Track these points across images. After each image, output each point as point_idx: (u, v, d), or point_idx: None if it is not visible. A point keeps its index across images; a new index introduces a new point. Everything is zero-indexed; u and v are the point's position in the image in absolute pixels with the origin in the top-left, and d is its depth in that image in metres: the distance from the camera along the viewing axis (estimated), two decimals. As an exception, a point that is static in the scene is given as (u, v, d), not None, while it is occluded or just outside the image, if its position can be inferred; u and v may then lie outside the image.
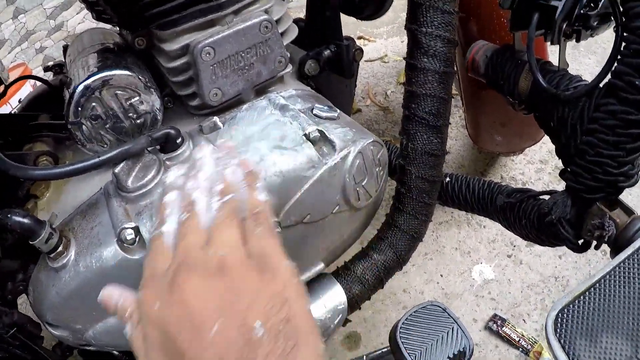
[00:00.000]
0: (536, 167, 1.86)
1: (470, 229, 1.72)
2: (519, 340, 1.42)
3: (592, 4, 0.79)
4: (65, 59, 0.89)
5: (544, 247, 0.97)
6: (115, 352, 0.79)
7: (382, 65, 2.51)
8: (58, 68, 1.09)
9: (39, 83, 1.03)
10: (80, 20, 3.02)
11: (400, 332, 0.81)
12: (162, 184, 0.58)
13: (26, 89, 2.20)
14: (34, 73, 2.78)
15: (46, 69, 1.12)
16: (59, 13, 2.94)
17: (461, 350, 0.79)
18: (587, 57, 2.18)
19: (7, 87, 0.94)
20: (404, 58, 0.84)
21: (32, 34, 2.93)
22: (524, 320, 1.48)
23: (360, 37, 2.66)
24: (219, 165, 0.52)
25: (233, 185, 0.49)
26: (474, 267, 1.62)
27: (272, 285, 0.42)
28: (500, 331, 1.44)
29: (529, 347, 1.40)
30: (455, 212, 1.75)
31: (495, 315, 1.48)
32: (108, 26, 0.84)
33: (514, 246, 1.64)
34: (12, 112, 0.97)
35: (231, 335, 0.39)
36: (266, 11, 0.72)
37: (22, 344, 0.70)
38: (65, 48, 0.92)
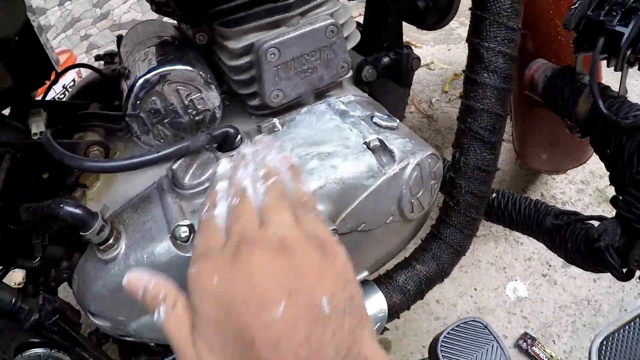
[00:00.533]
0: (577, 187, 1.83)
1: (507, 245, 1.70)
2: (547, 360, 1.40)
3: (658, 33, 0.77)
4: (119, 49, 0.89)
5: (579, 270, 0.97)
6: (151, 343, 0.79)
7: (428, 73, 2.50)
8: (109, 57, 1.09)
9: (84, 71, 1.03)
10: (126, 10, 3.07)
11: (441, 345, 0.81)
12: (213, 175, 0.58)
13: (70, 76, 2.24)
14: (78, 60, 2.83)
15: (97, 58, 1.13)
16: (105, 1, 2.98)
17: (501, 368, 0.79)
18: (634, 79, 2.14)
19: (58, 75, 0.95)
20: (457, 74, 0.83)
21: (77, 21, 2.98)
22: (553, 341, 1.47)
23: (407, 43, 2.66)
24: (260, 155, 0.53)
25: (275, 170, 0.50)
26: (508, 284, 1.61)
27: (334, 265, 0.43)
28: (529, 350, 1.43)
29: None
30: (493, 227, 1.73)
31: (525, 334, 1.48)
32: (159, 18, 0.84)
33: (550, 266, 1.63)
34: (57, 98, 0.97)
35: (299, 312, 0.39)
36: (332, 15, 0.71)
37: (61, 330, 0.71)
38: (119, 38, 0.92)
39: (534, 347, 1.43)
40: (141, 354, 0.82)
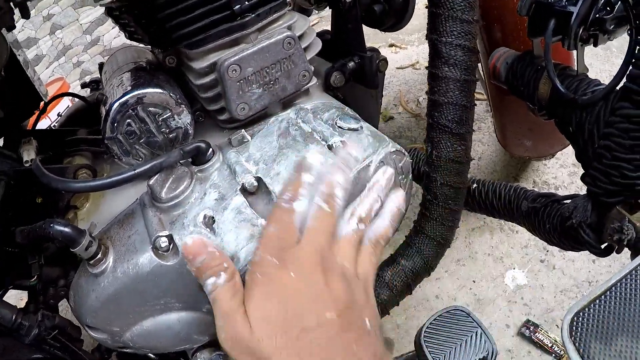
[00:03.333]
0: (569, 170, 1.84)
1: (503, 235, 1.72)
2: (552, 346, 1.41)
3: (607, 8, 0.79)
4: (101, 75, 0.93)
5: (577, 252, 0.98)
6: (151, 354, 0.82)
7: (414, 72, 2.52)
8: (95, 84, 1.14)
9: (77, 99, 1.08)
10: (116, 35, 3.12)
11: (424, 335, 0.82)
12: (295, 163, 0.61)
13: (65, 103, 2.29)
14: (71, 87, 2.88)
15: (83, 85, 1.17)
16: (94, 28, 3.03)
17: (485, 354, 0.80)
18: (619, 58, 2.14)
19: (46, 104, 1.00)
20: (426, 67, 0.86)
21: (69, 49, 3.03)
22: (557, 325, 1.48)
23: (392, 45, 2.67)
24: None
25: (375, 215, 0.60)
26: (506, 273, 1.62)
27: (371, 302, 0.53)
28: (533, 337, 1.44)
29: (562, 352, 1.39)
30: (487, 218, 1.75)
31: (528, 321, 1.48)
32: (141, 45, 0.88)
33: (547, 251, 1.64)
34: (51, 125, 1.02)
35: (351, 320, 0.48)
36: (289, 27, 0.74)
37: (63, 346, 0.74)
38: (101, 66, 0.96)
39: (537, 334, 1.44)
40: (142, 366, 0.83)
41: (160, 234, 0.63)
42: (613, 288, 0.68)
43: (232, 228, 0.62)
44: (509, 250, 1.67)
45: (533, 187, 1.81)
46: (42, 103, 0.92)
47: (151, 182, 0.66)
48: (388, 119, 2.22)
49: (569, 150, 1.79)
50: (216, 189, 0.66)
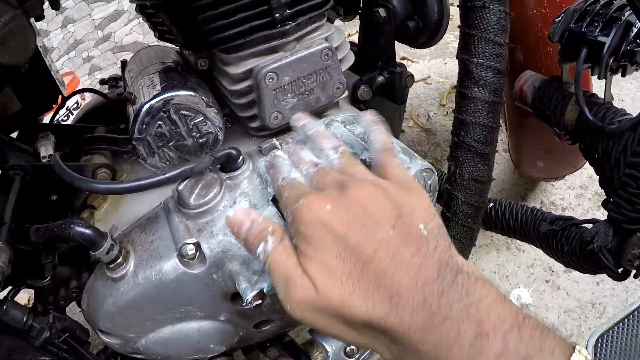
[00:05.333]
0: (576, 192, 1.85)
1: (510, 253, 1.71)
2: (554, 365, 1.40)
3: (638, 40, 0.80)
4: (123, 74, 0.92)
5: (581, 274, 0.98)
6: None
7: (425, 87, 2.52)
8: (114, 81, 1.12)
9: (87, 94, 1.07)
10: (128, 32, 3.11)
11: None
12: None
13: (73, 99, 2.26)
14: (81, 81, 2.87)
15: (102, 82, 1.16)
16: (107, 24, 3.02)
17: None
18: (628, 82, 2.17)
19: (65, 99, 0.98)
20: (454, 87, 0.86)
21: (79, 44, 3.02)
22: (560, 345, 1.47)
23: (403, 58, 2.67)
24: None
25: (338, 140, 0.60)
26: (512, 291, 1.62)
27: (422, 201, 0.50)
28: (536, 355, 1.43)
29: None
30: (495, 236, 1.75)
31: None
32: (159, 42, 0.87)
33: (552, 271, 1.64)
34: (60, 120, 1.00)
35: (405, 232, 0.46)
36: (326, 39, 0.74)
37: (71, 348, 0.72)
38: (124, 63, 0.95)
39: (540, 352, 1.44)
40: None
41: (187, 241, 0.63)
42: (636, 312, 0.69)
43: (265, 240, 0.61)
44: (515, 269, 1.67)
45: (540, 206, 1.81)
46: (59, 97, 0.90)
47: (180, 187, 0.65)
48: (400, 130, 2.22)
49: (577, 173, 1.80)
50: (246, 198, 0.65)
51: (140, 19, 0.84)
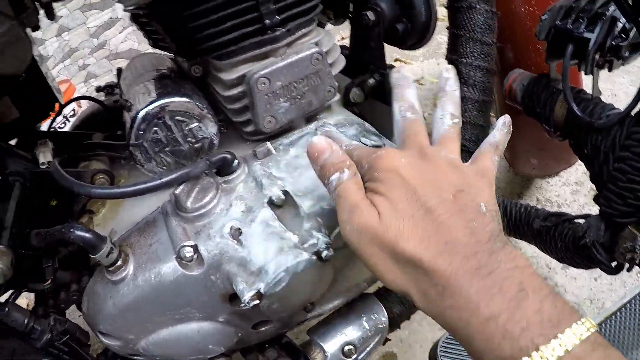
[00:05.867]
0: (572, 189, 1.86)
1: (507, 250, 1.72)
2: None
3: (623, 35, 0.81)
4: (119, 81, 0.93)
5: (579, 270, 0.99)
6: None
7: (419, 88, 2.51)
8: (110, 89, 1.13)
9: (83, 101, 1.08)
10: (123, 39, 3.11)
11: (440, 350, 0.83)
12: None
13: (70, 106, 2.27)
14: (77, 89, 2.87)
15: (98, 89, 1.17)
16: (101, 32, 3.02)
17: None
18: (620, 77, 2.18)
19: (62, 107, 0.99)
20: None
21: (75, 52, 3.02)
22: (559, 342, 1.48)
23: (396, 60, 2.67)
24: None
25: (459, 113, 0.63)
26: (509, 288, 1.62)
27: (491, 187, 0.55)
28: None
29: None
30: (491, 234, 1.75)
31: None
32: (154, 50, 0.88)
33: (550, 268, 1.65)
34: (57, 127, 1.00)
35: (465, 202, 0.50)
36: (317, 43, 0.75)
37: (71, 350, 0.73)
38: (119, 71, 0.96)
39: (539, 349, 1.45)
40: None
41: (185, 243, 0.64)
42: (628, 304, 0.70)
43: (261, 241, 0.63)
44: (512, 266, 1.68)
45: (536, 204, 1.82)
46: (56, 105, 0.91)
47: (177, 191, 0.66)
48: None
49: (572, 169, 1.81)
50: (242, 201, 0.66)
51: (135, 26, 0.86)
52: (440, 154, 0.55)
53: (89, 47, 3.03)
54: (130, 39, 3.10)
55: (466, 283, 0.45)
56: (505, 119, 0.63)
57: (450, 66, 0.69)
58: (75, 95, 2.66)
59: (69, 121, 1.94)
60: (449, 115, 0.61)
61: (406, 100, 0.62)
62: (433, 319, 0.50)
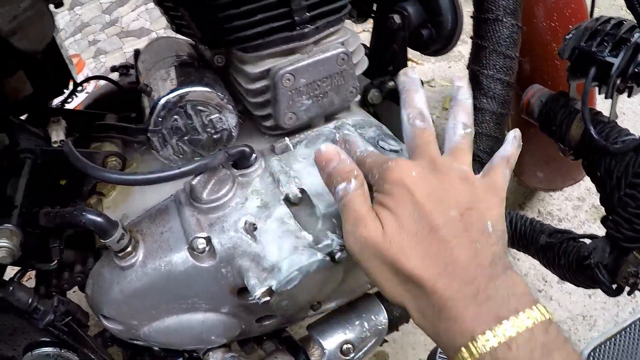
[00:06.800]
0: (573, 204, 1.87)
1: (505, 261, 1.73)
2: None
3: (646, 64, 0.81)
4: (136, 63, 0.93)
5: (574, 286, 1.00)
6: (156, 347, 0.81)
7: (429, 90, 2.52)
8: (125, 69, 1.12)
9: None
10: (135, 17, 3.08)
11: (439, 356, 0.84)
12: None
13: (79, 81, 2.24)
14: (86, 64, 2.85)
15: (113, 69, 1.16)
16: (114, 9, 3.00)
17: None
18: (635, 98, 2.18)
19: (76, 85, 0.99)
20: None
21: (86, 27, 2.99)
22: (549, 355, 1.49)
23: (409, 60, 2.67)
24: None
25: (471, 122, 0.61)
26: (504, 299, 1.63)
27: (500, 205, 0.54)
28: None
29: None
30: (491, 244, 1.76)
31: None
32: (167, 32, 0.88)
33: (546, 282, 1.66)
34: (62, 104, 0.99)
35: (472, 221, 0.50)
36: (343, 43, 0.75)
37: (71, 330, 0.73)
38: (136, 53, 0.95)
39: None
40: (145, 356, 0.84)
41: (199, 234, 0.64)
42: (628, 328, 0.71)
43: (275, 238, 0.63)
44: (509, 277, 1.69)
45: (537, 216, 1.83)
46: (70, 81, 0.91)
47: (194, 182, 0.66)
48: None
49: (575, 185, 1.82)
50: (258, 196, 0.66)
51: (147, 5, 0.84)
52: (451, 165, 0.55)
53: (100, 22, 3.01)
54: (142, 18, 3.07)
55: (463, 308, 0.45)
56: (516, 132, 0.63)
57: (462, 74, 0.69)
58: (85, 72, 2.64)
59: (76, 96, 1.91)
60: (461, 125, 0.60)
61: (414, 106, 0.61)
62: (427, 335, 0.50)
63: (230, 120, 0.72)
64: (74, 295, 0.76)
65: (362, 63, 0.80)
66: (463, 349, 0.45)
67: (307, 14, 0.70)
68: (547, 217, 1.83)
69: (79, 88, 1.03)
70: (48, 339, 0.71)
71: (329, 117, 0.80)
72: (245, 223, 0.64)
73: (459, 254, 0.48)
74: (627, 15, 0.84)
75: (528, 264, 1.69)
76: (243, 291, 0.67)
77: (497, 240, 0.50)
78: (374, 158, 0.57)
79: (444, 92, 2.48)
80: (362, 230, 0.51)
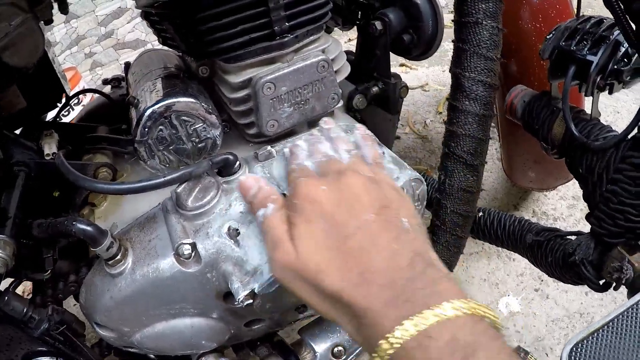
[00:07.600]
0: (568, 203, 1.87)
1: (500, 262, 1.73)
2: (540, 373, 1.43)
3: (625, 60, 0.83)
4: (126, 75, 0.95)
5: (571, 284, 1.01)
6: (152, 355, 0.83)
7: (423, 94, 2.53)
8: (116, 82, 1.14)
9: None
10: (130, 29, 3.12)
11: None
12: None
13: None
14: (82, 77, 2.88)
15: (105, 82, 1.18)
16: (110, 21, 3.04)
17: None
18: (624, 94, 2.18)
19: (69, 98, 1.00)
20: (447, 98, 0.88)
21: (82, 39, 3.03)
22: (546, 354, 1.49)
23: (402, 65, 2.68)
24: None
25: (356, 145, 0.66)
26: (501, 299, 1.63)
27: (407, 202, 0.56)
28: (522, 363, 1.45)
29: (549, 380, 1.41)
30: (486, 244, 1.76)
31: (518, 347, 1.47)
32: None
33: (542, 280, 1.66)
34: (60, 117, 1.01)
35: (388, 220, 0.51)
36: (323, 51, 0.77)
37: (67, 340, 0.74)
38: (127, 65, 0.97)
39: (527, 360, 1.46)
40: (141, 364, 0.85)
41: (184, 241, 0.65)
42: (611, 323, 0.71)
43: (257, 242, 0.64)
44: (505, 277, 1.69)
45: (532, 216, 1.83)
46: (63, 95, 0.92)
47: (179, 189, 0.68)
48: (394, 138, 2.23)
49: (569, 184, 1.82)
50: (242, 202, 0.67)
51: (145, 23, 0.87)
52: (359, 172, 0.57)
53: (96, 35, 3.05)
54: (137, 29, 3.11)
55: (381, 314, 0.45)
56: (359, 130, 0.69)
57: (328, 118, 0.74)
58: (81, 85, 2.67)
59: (73, 109, 1.94)
60: (345, 151, 0.63)
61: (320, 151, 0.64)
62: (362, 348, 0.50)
63: (213, 129, 0.74)
64: (74, 308, 0.77)
65: (344, 69, 0.81)
66: (381, 341, 0.44)
67: (287, 23, 0.72)
68: (542, 217, 1.83)
69: (75, 101, 1.05)
70: (45, 349, 0.72)
71: (312, 123, 0.81)
72: (229, 228, 0.66)
73: (375, 259, 0.48)
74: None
75: (524, 264, 1.68)
76: (229, 295, 0.68)
77: (416, 235, 0.51)
78: (299, 173, 0.59)
79: (437, 96, 2.50)
80: (279, 254, 0.52)
